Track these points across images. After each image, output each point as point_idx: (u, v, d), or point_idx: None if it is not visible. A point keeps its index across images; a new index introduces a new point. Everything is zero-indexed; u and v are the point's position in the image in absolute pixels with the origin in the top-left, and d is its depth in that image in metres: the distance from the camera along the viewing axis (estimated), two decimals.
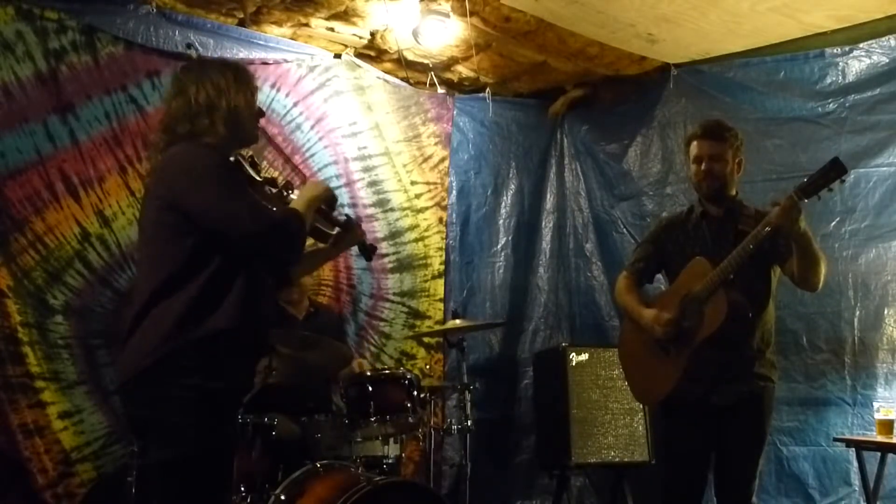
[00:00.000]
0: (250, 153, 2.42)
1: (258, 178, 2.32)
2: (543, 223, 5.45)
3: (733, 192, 3.06)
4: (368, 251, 2.62)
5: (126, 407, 2.18)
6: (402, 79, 5.04)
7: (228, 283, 2.09)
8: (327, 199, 2.36)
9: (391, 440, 3.56)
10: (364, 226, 4.78)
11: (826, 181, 2.66)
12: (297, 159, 4.58)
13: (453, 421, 3.91)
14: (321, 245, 2.52)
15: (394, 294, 4.90)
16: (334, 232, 2.48)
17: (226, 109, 2.20)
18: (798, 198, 2.66)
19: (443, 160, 5.18)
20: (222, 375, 2.08)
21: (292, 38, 4.58)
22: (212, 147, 2.16)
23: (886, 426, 3.61)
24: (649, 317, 3.00)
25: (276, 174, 4.46)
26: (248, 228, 2.05)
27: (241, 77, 2.28)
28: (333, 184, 4.70)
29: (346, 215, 2.59)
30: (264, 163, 4.36)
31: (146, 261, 2.20)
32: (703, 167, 3.00)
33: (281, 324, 3.89)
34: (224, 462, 2.13)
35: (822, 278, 2.86)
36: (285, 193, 2.36)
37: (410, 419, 3.50)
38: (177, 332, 2.02)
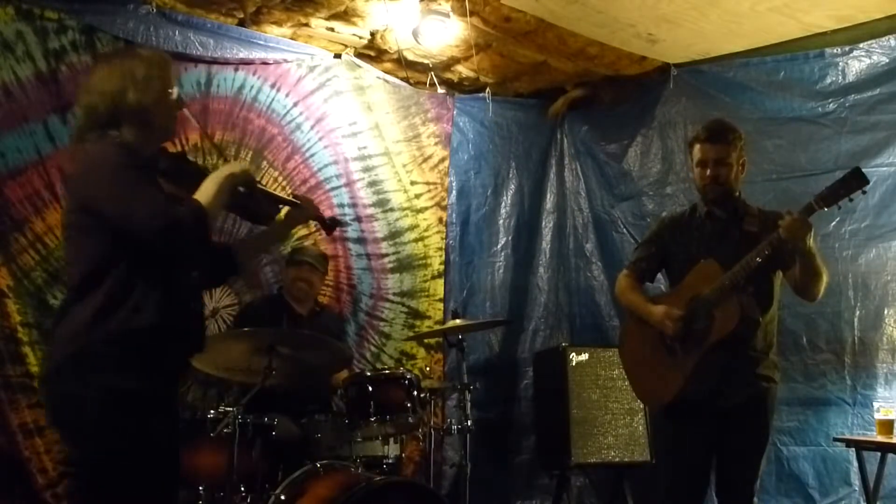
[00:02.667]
0: (178, 149, 2.34)
1: (180, 171, 2.21)
2: (543, 223, 5.45)
3: (737, 193, 3.03)
4: (328, 225, 2.54)
5: (46, 403, 2.14)
6: (402, 79, 5.04)
7: (142, 280, 2.06)
8: (245, 176, 2.24)
9: (391, 440, 3.56)
10: (364, 225, 4.84)
11: (847, 191, 2.64)
12: (297, 159, 4.58)
13: (453, 421, 3.91)
14: (264, 227, 2.47)
15: (394, 294, 4.90)
16: (280, 210, 2.39)
17: (132, 107, 2.13)
18: (818, 206, 2.66)
19: (443, 160, 5.18)
20: (139, 375, 2.03)
21: (292, 38, 4.59)
22: (120, 145, 2.11)
23: (886, 426, 3.61)
24: (659, 313, 2.95)
25: (275, 179, 4.47)
26: (144, 227, 2.00)
27: (151, 70, 2.18)
28: (333, 184, 4.71)
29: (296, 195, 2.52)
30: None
31: (67, 261, 2.20)
32: (707, 172, 2.96)
33: (285, 322, 3.89)
34: (143, 464, 2.01)
35: (822, 291, 2.86)
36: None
37: (410, 419, 3.50)
38: (89, 329, 2.00)
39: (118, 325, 2.01)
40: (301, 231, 4.51)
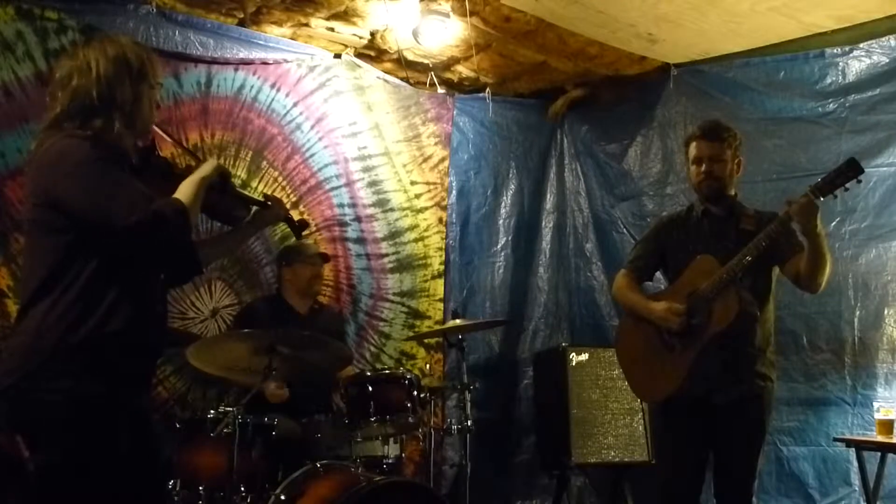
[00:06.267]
0: (146, 143, 2.23)
1: (148, 166, 2.15)
2: (543, 223, 5.45)
3: (732, 193, 3.06)
4: (298, 228, 2.49)
5: (9, 409, 2.01)
6: (402, 79, 5.04)
7: (114, 281, 1.97)
8: (218, 175, 2.18)
9: (391, 440, 3.56)
10: (364, 225, 4.84)
11: (842, 180, 2.67)
12: (297, 159, 4.58)
13: (453, 421, 3.92)
14: (232, 226, 2.42)
15: (394, 294, 4.90)
16: (250, 211, 2.36)
17: (126, 97, 2.05)
18: (814, 196, 2.67)
19: (443, 160, 5.18)
20: (107, 379, 1.96)
21: (292, 38, 4.59)
22: (89, 137, 2.00)
23: (886, 426, 3.61)
24: (661, 309, 2.96)
25: (276, 178, 4.47)
26: (123, 223, 1.89)
27: (146, 62, 2.12)
28: (333, 184, 4.71)
29: (266, 195, 2.49)
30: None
31: (26, 259, 2.13)
32: (702, 168, 3.00)
33: (284, 320, 3.89)
34: (106, 469, 1.95)
35: (825, 281, 2.85)
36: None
37: (410, 419, 3.50)
38: (59, 334, 1.92)
39: (90, 330, 1.93)
40: None
